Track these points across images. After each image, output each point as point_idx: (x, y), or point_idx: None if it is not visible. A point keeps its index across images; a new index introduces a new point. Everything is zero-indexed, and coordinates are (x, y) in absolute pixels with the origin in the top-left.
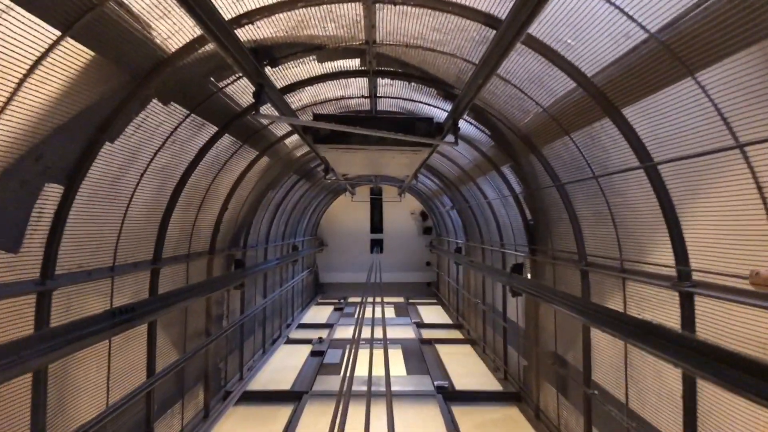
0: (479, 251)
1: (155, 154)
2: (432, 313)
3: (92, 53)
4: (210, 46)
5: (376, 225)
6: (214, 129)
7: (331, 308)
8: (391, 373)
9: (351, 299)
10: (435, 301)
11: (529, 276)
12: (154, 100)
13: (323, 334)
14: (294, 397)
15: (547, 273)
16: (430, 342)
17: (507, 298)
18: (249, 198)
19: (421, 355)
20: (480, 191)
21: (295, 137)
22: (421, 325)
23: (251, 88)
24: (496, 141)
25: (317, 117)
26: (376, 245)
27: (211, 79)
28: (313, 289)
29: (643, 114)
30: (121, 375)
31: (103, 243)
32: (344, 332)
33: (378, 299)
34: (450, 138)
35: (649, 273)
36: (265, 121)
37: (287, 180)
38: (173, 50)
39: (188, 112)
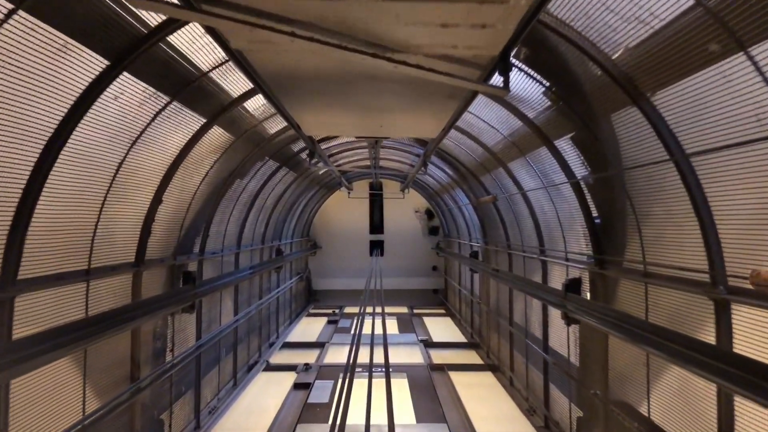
0: (504, 257)
1: None
2: (441, 327)
3: None
4: None
5: (376, 224)
6: (103, 63)
7: (324, 321)
8: (397, 421)
9: (347, 309)
10: (443, 311)
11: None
12: None
13: (312, 357)
14: None
15: (623, 294)
16: (443, 368)
17: (550, 321)
18: (201, 187)
19: (432, 390)
20: (512, 179)
21: (259, 100)
22: (429, 344)
23: None
24: (560, 94)
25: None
26: (376, 247)
27: None
28: (305, 297)
29: None
30: None
31: None
32: (337, 354)
33: (378, 309)
34: (497, 80)
35: None
36: (204, 66)
37: (262, 166)
38: None
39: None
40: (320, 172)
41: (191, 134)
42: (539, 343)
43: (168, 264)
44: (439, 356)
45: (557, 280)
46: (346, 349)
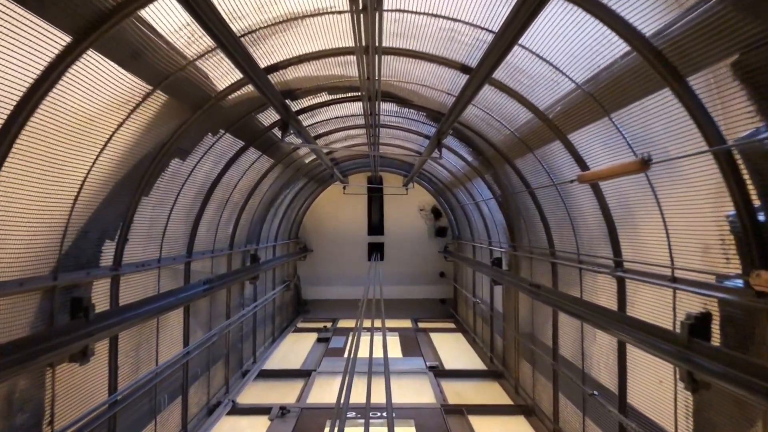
0: (543, 267)
1: None
2: (452, 348)
3: None
4: None
5: (376, 225)
6: None
7: (313, 338)
8: None
9: (342, 323)
10: (453, 325)
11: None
12: None
13: (293, 392)
14: None
15: None
16: (461, 411)
17: (631, 365)
18: (103, 165)
19: None
20: (575, 157)
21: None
22: (441, 373)
23: None
24: None
25: None
26: (376, 251)
27: None
28: (293, 308)
29: None
30: None
31: None
32: (326, 387)
33: (377, 323)
34: None
35: None
36: None
37: (216, 142)
38: None
39: None
40: (306, 159)
41: (47, 62)
42: (611, 398)
43: (42, 287)
44: (453, 391)
45: (647, 307)
46: (338, 381)
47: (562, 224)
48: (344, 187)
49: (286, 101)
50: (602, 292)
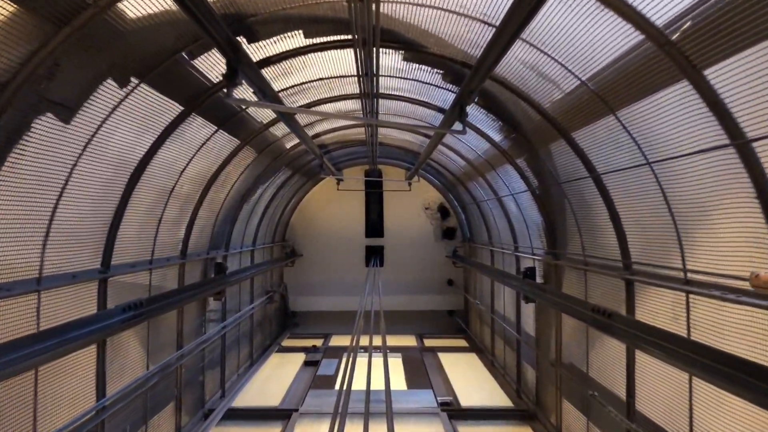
0: (610, 285)
1: None
2: (467, 373)
3: None
4: None
5: (374, 225)
6: None
7: (300, 360)
8: None
9: (335, 340)
10: (465, 343)
11: None
12: None
13: None
14: None
15: None
16: None
17: None
18: None
19: None
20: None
21: None
22: (456, 413)
23: None
24: None
25: None
26: (374, 255)
27: None
28: (279, 322)
29: None
30: None
31: None
32: None
33: (377, 341)
34: None
35: None
36: None
37: (129, 95)
38: None
39: None
40: (287, 143)
41: None
42: None
43: None
44: None
45: None
46: (325, 425)
47: (651, 224)
48: (338, 182)
49: (237, 38)
50: (733, 332)
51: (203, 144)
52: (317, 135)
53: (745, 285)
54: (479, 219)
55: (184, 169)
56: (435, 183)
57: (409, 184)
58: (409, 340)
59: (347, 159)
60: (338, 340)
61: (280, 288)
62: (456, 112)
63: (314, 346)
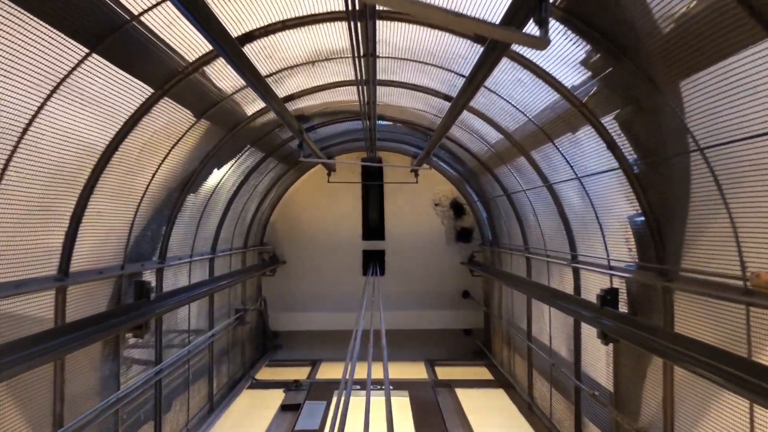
0: None
1: None
2: (496, 422)
3: None
4: None
5: (373, 225)
6: None
7: (277, 400)
8: None
9: (324, 369)
10: (488, 374)
11: None
12: None
13: None
14: None
15: None
16: None
17: None
18: None
19: None
20: None
21: None
22: None
23: None
24: None
25: None
26: (374, 261)
27: None
28: (257, 345)
29: None
30: None
31: None
32: None
33: (377, 370)
34: None
35: None
36: None
37: None
38: None
39: None
40: (249, 107)
41: None
42: None
43: None
44: None
45: None
46: None
47: None
48: (329, 173)
49: None
50: None
51: (62, 81)
52: (290, 98)
53: None
54: (509, 216)
55: (32, 119)
56: (448, 173)
57: (416, 175)
58: (418, 370)
59: (338, 142)
60: (328, 370)
61: (258, 303)
62: (530, 5)
63: (296, 382)
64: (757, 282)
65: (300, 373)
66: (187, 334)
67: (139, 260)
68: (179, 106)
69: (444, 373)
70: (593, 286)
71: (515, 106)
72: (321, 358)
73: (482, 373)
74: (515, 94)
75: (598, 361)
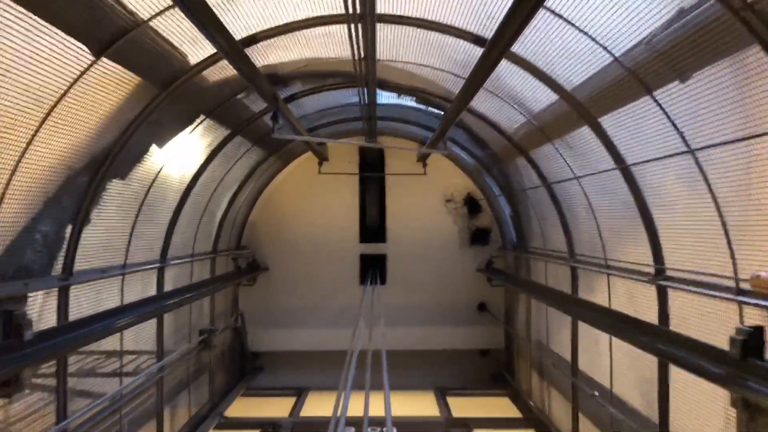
0: None
1: None
2: None
3: None
4: None
5: (373, 226)
6: None
7: None
8: None
9: (311, 402)
10: (513, 408)
11: None
12: None
13: None
14: None
15: None
16: None
17: None
18: None
19: None
20: None
21: None
22: None
23: None
24: None
25: None
26: (373, 269)
27: None
28: (232, 369)
29: None
30: None
31: None
32: None
33: (376, 404)
34: None
35: None
36: None
37: None
38: None
39: None
40: (194, 54)
41: None
42: None
43: None
44: None
45: None
46: None
47: None
48: (320, 163)
49: None
50: None
51: None
52: (252, 40)
53: None
54: (546, 212)
55: None
56: (464, 162)
57: (425, 165)
58: (427, 403)
59: (328, 122)
60: (317, 403)
61: (233, 319)
62: None
63: (274, 427)
64: (758, 282)
65: (282, 407)
66: (119, 371)
67: (19, 277)
68: (56, 31)
69: (459, 406)
70: (694, 314)
71: (594, 39)
72: (308, 386)
73: (505, 406)
74: (593, 18)
75: (706, 427)
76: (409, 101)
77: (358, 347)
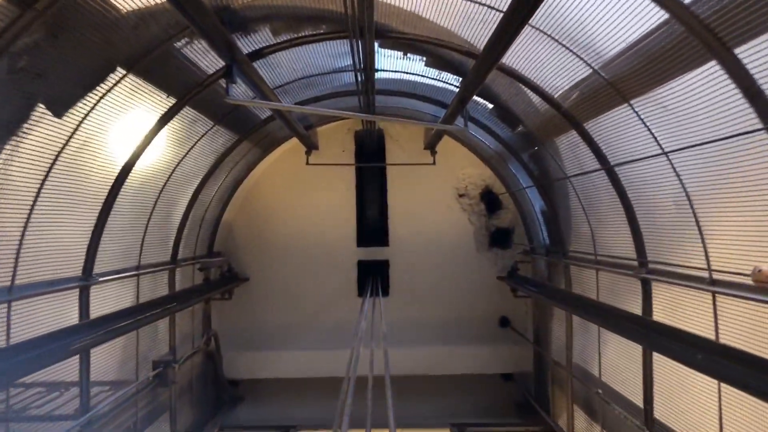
0: None
1: None
2: None
3: None
4: None
5: (373, 226)
6: None
7: None
8: None
9: None
10: None
11: None
12: None
13: None
14: None
15: None
16: None
17: None
18: None
19: None
20: None
21: None
22: None
23: None
24: None
25: None
26: (373, 277)
27: None
28: (206, 400)
29: None
30: None
31: None
32: None
33: None
34: None
35: None
36: None
37: None
38: None
39: None
40: None
41: None
42: None
43: None
44: None
45: None
46: None
47: None
48: (308, 153)
49: None
50: None
51: None
52: None
53: None
54: (601, 207)
55: None
56: (481, 146)
57: (433, 153)
58: None
59: (315, 97)
60: None
61: (203, 341)
62: None
63: None
64: (759, 276)
65: None
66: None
67: None
68: None
69: None
70: None
71: None
72: (297, 423)
73: None
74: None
75: None
76: (417, 62)
77: (356, 373)
